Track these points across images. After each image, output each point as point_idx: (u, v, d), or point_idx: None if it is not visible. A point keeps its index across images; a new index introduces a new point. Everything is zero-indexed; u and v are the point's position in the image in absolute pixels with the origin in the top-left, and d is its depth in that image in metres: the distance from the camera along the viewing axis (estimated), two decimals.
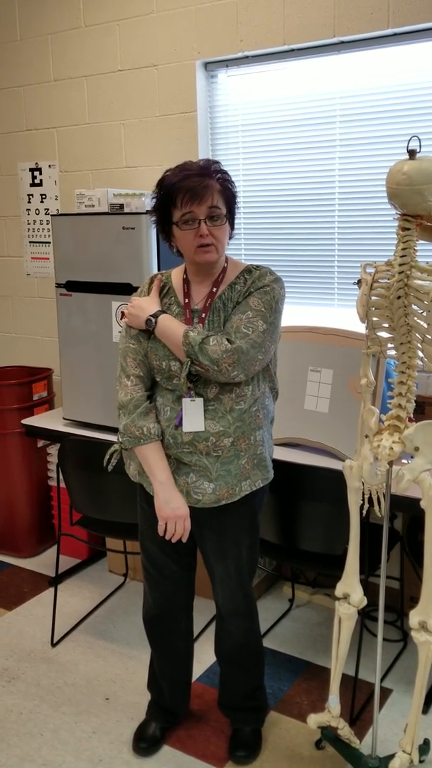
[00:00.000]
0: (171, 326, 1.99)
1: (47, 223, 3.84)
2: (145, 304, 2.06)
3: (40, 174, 3.80)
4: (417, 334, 1.86)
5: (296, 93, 3.02)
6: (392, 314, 1.87)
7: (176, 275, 2.12)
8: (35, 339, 4.03)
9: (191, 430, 1.98)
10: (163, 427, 2.03)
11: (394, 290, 1.83)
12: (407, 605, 2.93)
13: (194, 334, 1.94)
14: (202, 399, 1.98)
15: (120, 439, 2.08)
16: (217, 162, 2.01)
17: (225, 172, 2.00)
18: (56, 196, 3.77)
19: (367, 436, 1.98)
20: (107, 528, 2.88)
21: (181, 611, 2.29)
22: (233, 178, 2.04)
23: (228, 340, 1.93)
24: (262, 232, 3.23)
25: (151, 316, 2.02)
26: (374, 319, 1.92)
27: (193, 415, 1.98)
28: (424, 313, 1.83)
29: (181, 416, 1.99)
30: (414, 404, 1.94)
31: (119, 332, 2.93)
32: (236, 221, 2.07)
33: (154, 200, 2.03)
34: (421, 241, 1.86)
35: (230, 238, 2.06)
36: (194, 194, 1.91)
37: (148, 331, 2.05)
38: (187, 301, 2.05)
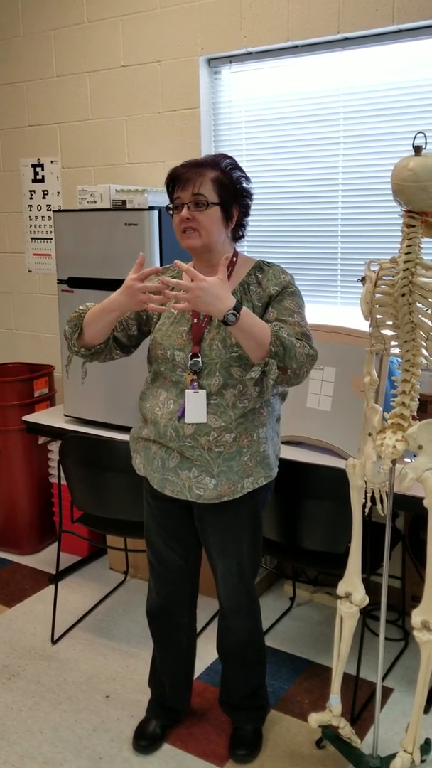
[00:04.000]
0: (256, 323, 1.81)
1: (49, 219, 3.83)
2: (222, 291, 1.75)
3: (42, 170, 3.79)
4: (421, 332, 1.85)
5: (300, 90, 3.01)
6: (396, 312, 1.86)
7: None
8: (36, 335, 4.03)
9: (193, 422, 1.98)
10: (166, 421, 2.02)
11: (398, 287, 1.82)
12: (409, 604, 2.93)
13: (287, 336, 1.84)
14: (205, 391, 1.98)
15: (70, 340, 2.09)
16: (230, 158, 2.03)
17: (233, 167, 2.01)
18: (58, 192, 3.76)
19: (370, 435, 1.97)
20: (108, 525, 2.87)
21: (184, 606, 2.29)
22: None
23: (308, 344, 1.91)
24: (264, 229, 3.22)
25: (233, 309, 1.75)
26: (378, 316, 1.91)
27: (196, 407, 1.98)
28: (429, 311, 1.82)
29: (183, 408, 1.99)
30: (418, 402, 1.93)
31: None
32: None
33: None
34: (425, 238, 1.85)
35: (241, 237, 2.07)
36: (180, 181, 1.95)
37: (154, 316, 2.09)
38: None
